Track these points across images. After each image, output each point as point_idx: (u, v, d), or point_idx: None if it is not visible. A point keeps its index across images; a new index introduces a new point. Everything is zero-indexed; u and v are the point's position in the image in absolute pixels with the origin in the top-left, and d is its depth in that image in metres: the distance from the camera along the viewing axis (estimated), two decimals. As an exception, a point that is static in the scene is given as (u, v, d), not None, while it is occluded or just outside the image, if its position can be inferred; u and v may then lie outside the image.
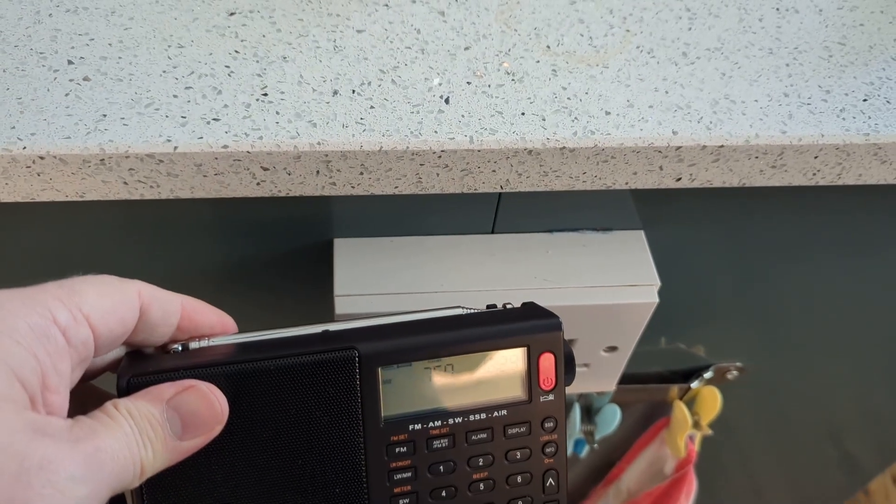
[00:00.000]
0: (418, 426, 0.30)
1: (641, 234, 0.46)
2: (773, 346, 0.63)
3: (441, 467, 0.30)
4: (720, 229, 0.49)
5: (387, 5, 0.41)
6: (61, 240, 0.44)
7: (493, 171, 0.37)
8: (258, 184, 0.36)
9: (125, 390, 0.26)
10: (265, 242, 0.44)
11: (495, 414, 0.30)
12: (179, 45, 0.38)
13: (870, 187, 0.44)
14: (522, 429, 0.30)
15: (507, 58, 0.39)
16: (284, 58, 0.38)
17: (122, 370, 0.27)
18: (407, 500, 0.29)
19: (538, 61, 0.40)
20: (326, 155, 0.35)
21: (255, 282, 0.47)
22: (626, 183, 0.39)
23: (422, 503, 0.30)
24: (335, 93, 0.37)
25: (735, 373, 0.61)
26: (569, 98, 0.38)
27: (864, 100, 0.40)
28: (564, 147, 0.36)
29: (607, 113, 0.38)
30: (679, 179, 0.39)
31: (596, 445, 0.62)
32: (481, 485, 0.30)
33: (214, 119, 0.35)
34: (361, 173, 0.36)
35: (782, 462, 0.87)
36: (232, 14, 0.40)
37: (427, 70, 0.38)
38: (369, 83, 0.37)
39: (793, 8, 0.45)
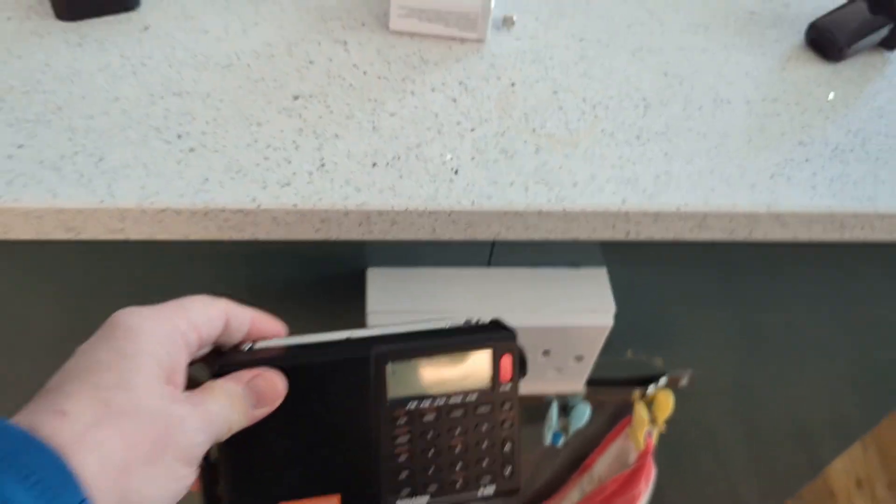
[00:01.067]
0: (414, 405, 0.42)
1: (604, 270, 0.58)
2: (717, 358, 0.76)
3: (429, 434, 0.42)
4: (667, 267, 0.62)
5: (412, 93, 0.54)
6: (170, 267, 0.57)
7: (489, 226, 0.50)
8: (316, 230, 0.49)
9: (217, 374, 0.39)
10: (315, 270, 0.57)
11: (467, 398, 0.43)
12: (258, 123, 0.51)
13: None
14: (487, 409, 0.43)
15: (502, 138, 0.52)
16: (336, 135, 0.51)
17: (212, 361, 0.39)
18: (405, 457, 0.42)
19: (525, 141, 0.53)
20: (367, 213, 0.48)
21: (303, 300, 0.60)
22: (588, 236, 0.52)
23: (415, 459, 0.42)
24: (374, 165, 0.50)
25: (686, 380, 0.74)
26: (547, 171, 0.51)
27: (771, 177, 0.53)
28: (541, 210, 0.49)
29: (574, 184, 0.50)
30: (628, 234, 0.52)
31: (569, 438, 0.74)
32: (457, 447, 0.43)
33: (287, 184, 0.48)
34: (392, 225, 0.49)
35: (734, 451, 0.99)
36: (296, 98, 0.53)
37: (442, 147, 0.51)
38: (398, 157, 0.50)
39: (727, 100, 0.57)
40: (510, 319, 0.50)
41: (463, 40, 0.59)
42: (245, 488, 0.40)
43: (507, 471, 0.44)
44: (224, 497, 0.40)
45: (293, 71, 0.54)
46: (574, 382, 0.62)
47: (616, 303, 0.59)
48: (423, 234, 0.50)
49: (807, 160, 0.54)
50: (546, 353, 0.58)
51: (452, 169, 0.50)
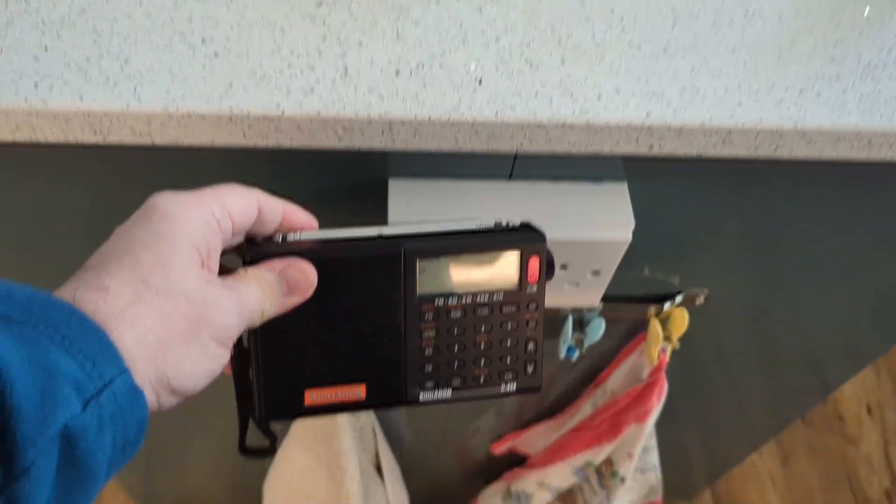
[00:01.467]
0: (441, 301, 0.43)
1: (625, 185, 0.59)
2: (735, 278, 0.76)
3: (455, 330, 0.44)
4: (689, 184, 0.61)
5: (437, 2, 0.54)
6: (192, 168, 0.57)
7: (511, 137, 0.50)
8: (339, 139, 0.50)
9: (249, 263, 0.40)
10: (337, 179, 0.58)
11: (494, 297, 0.44)
12: (282, 30, 0.51)
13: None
14: (513, 308, 0.44)
15: (527, 49, 0.52)
16: (360, 43, 0.51)
17: (245, 250, 0.40)
18: (430, 351, 0.44)
19: (551, 53, 0.52)
20: (390, 122, 0.48)
21: (327, 207, 0.61)
22: (611, 149, 0.52)
23: (440, 353, 0.44)
24: (397, 73, 0.50)
25: (702, 299, 0.75)
26: (571, 84, 0.50)
27: (800, 92, 0.52)
28: (565, 123, 0.49)
29: (599, 97, 0.50)
30: (651, 148, 0.52)
31: (584, 351, 0.76)
32: (482, 344, 0.44)
33: (310, 91, 0.48)
34: (414, 135, 0.49)
35: (746, 370, 1.01)
36: (320, 5, 0.52)
37: (466, 57, 0.51)
38: (423, 66, 0.50)
39: (758, 12, 0.56)
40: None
41: (490, -53, 0.57)
42: (274, 374, 0.42)
43: (530, 369, 0.45)
44: (254, 381, 0.42)
45: (317, -24, 0.54)
46: (590, 297, 0.63)
47: (636, 219, 0.59)
48: (445, 144, 0.50)
49: (838, 77, 0.53)
50: (564, 266, 0.59)
51: (476, 79, 0.50)
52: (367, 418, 0.93)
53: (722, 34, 0.54)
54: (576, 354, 0.77)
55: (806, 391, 1.08)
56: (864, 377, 1.75)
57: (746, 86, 0.52)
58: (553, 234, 0.55)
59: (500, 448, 1.09)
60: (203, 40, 0.49)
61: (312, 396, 0.43)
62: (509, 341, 0.45)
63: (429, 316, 0.43)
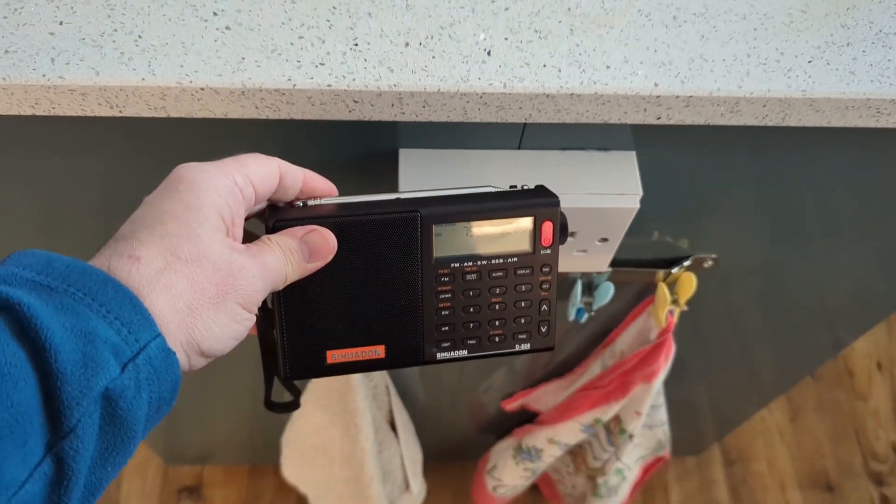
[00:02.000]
0: (457, 264, 0.45)
1: (633, 154, 0.59)
2: (743, 240, 0.77)
3: (471, 292, 0.45)
4: (697, 150, 0.62)
5: (447, -31, 0.54)
6: (207, 141, 0.58)
7: (520, 108, 0.51)
8: (350, 111, 0.50)
9: (272, 230, 0.41)
10: (348, 149, 0.59)
11: (509, 260, 0.45)
12: (292, 1, 0.51)
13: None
14: (527, 271, 0.45)
15: (536, 18, 0.52)
16: (369, 14, 0.51)
17: (268, 217, 0.42)
18: (447, 312, 0.45)
19: (560, 21, 0.52)
20: (399, 94, 0.49)
21: (339, 177, 0.62)
22: (619, 119, 0.52)
23: (456, 314, 0.45)
24: (407, 44, 0.50)
25: (710, 262, 0.76)
26: (580, 54, 0.51)
27: (809, 61, 0.52)
28: (573, 93, 0.49)
29: (608, 67, 0.50)
30: (659, 118, 0.52)
31: (593, 314, 0.77)
32: (497, 306, 0.46)
33: (321, 64, 0.49)
34: (424, 107, 0.50)
35: (755, 330, 1.02)
36: (329, -25, 0.52)
37: (475, 27, 0.51)
38: (432, 37, 0.50)
39: (770, -23, 0.56)
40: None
41: (499, -88, 0.57)
42: (297, 335, 0.44)
43: (543, 329, 0.47)
44: (278, 342, 0.44)
45: (326, -55, 0.54)
46: (599, 263, 0.64)
47: (644, 185, 0.60)
48: (454, 115, 0.51)
49: (848, 44, 0.53)
50: (572, 234, 0.60)
51: (485, 49, 0.50)
52: (381, 377, 0.95)
53: (732, 0, 0.54)
54: (585, 317, 0.78)
55: (817, 348, 1.09)
56: (876, 333, 1.76)
57: (755, 55, 0.52)
58: (562, 201, 0.56)
59: (511, 405, 1.12)
60: (215, 13, 0.50)
61: (334, 356, 0.45)
62: (523, 303, 0.46)
63: (445, 279, 0.45)
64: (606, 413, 0.93)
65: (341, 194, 0.45)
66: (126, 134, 0.57)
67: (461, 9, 0.52)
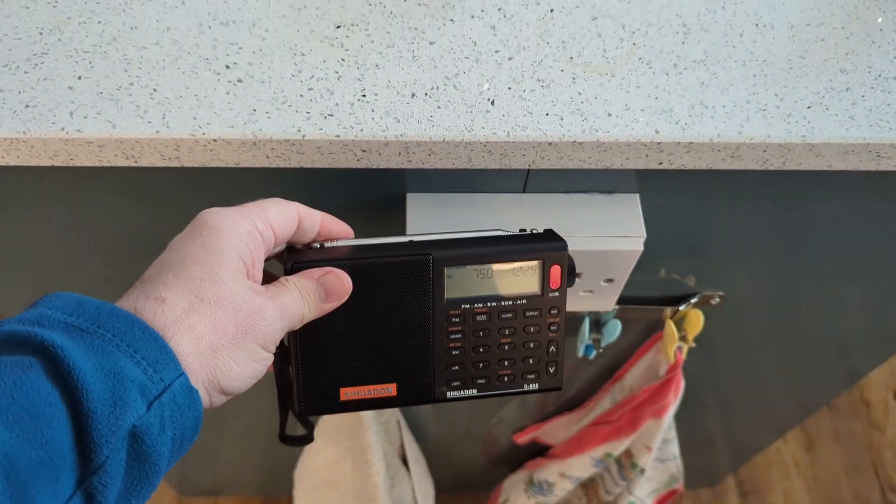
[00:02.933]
0: (468, 306, 0.46)
1: (637, 197, 0.60)
2: (752, 277, 0.77)
3: (481, 332, 0.46)
4: (702, 192, 0.63)
5: (452, 20, 0.55)
6: (220, 188, 0.60)
7: (523, 155, 0.52)
8: (358, 160, 0.52)
9: (290, 271, 0.43)
10: (357, 195, 0.60)
11: (518, 302, 0.46)
12: (302, 54, 0.53)
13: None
14: (536, 312, 0.47)
15: (539, 67, 0.53)
16: (377, 65, 0.53)
17: (287, 258, 0.44)
18: (457, 352, 0.47)
19: (562, 70, 0.53)
20: (406, 144, 0.50)
21: (349, 222, 0.63)
22: (621, 165, 0.53)
23: (467, 354, 0.47)
24: (413, 95, 0.51)
25: (717, 300, 0.76)
26: (582, 102, 0.52)
27: (809, 107, 0.53)
28: (575, 141, 0.51)
29: (609, 115, 0.51)
30: (661, 163, 0.53)
31: (601, 350, 0.78)
32: (506, 346, 0.47)
33: (329, 115, 0.50)
34: (430, 155, 0.51)
35: (767, 363, 1.02)
36: (338, 27, 0.54)
37: (479, 77, 0.52)
38: (437, 87, 0.52)
39: (769, 24, 0.57)
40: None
41: (503, -37, 0.58)
42: (312, 372, 0.45)
43: (552, 370, 0.48)
44: (294, 378, 0.45)
45: (335, -2, 0.55)
46: (605, 303, 0.65)
47: (650, 224, 0.61)
48: (459, 163, 0.52)
49: (847, 89, 0.54)
50: (578, 274, 0.60)
51: (489, 99, 0.51)
52: (392, 412, 0.96)
53: (732, 47, 0.55)
54: (593, 353, 0.78)
55: (831, 379, 1.08)
56: (892, 363, 1.74)
57: (755, 101, 0.53)
58: (567, 244, 0.57)
59: (522, 438, 1.12)
60: (227, 66, 0.52)
61: (347, 394, 0.46)
62: (532, 344, 0.47)
63: (456, 319, 0.46)
64: (617, 448, 0.93)
65: (356, 237, 0.47)
66: (142, 182, 0.58)
67: (466, 59, 0.53)
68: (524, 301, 0.46)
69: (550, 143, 0.51)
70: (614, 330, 0.74)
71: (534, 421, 1.09)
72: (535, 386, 0.49)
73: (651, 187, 0.61)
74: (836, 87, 0.54)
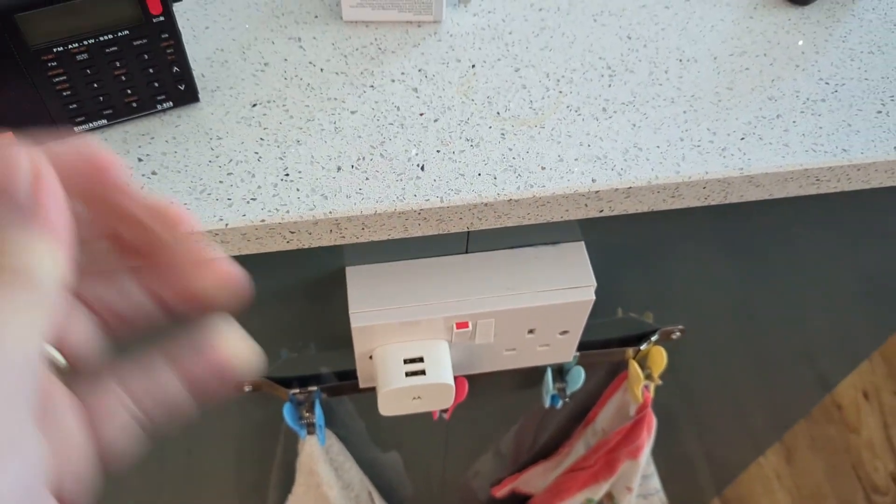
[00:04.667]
0: (60, 49, 0.45)
1: (582, 244, 0.58)
2: (710, 308, 0.76)
3: (88, 70, 0.46)
4: (646, 233, 0.61)
5: (372, 86, 0.53)
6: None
7: (460, 218, 0.50)
8: (287, 242, 0.49)
9: None
10: (295, 276, 0.57)
11: (119, 34, 0.46)
12: (218, 137, 0.50)
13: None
14: (143, 41, 0.47)
15: (466, 126, 0.52)
16: (298, 141, 0.50)
17: None
18: (69, 93, 0.47)
19: (490, 127, 0.52)
20: (336, 220, 0.48)
21: (287, 305, 0.60)
22: (561, 217, 0.52)
23: (80, 93, 0.47)
24: (339, 168, 0.49)
25: (678, 333, 0.75)
26: (514, 157, 0.50)
27: (742, 138, 0.52)
28: (511, 199, 0.49)
29: (543, 168, 0.50)
30: (601, 211, 0.52)
31: (568, 399, 0.75)
32: (122, 77, 0.47)
33: (252, 199, 0.48)
34: (363, 229, 0.49)
35: (738, 387, 1.01)
36: (254, 105, 0.52)
37: (406, 142, 0.51)
38: (363, 158, 0.50)
39: (693, 58, 0.56)
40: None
41: (420, 23, 0.57)
42: None
43: (182, 87, 0.50)
44: None
45: (249, 76, 0.53)
46: (563, 354, 0.63)
47: (600, 267, 0.59)
48: (395, 233, 0.50)
49: (778, 116, 0.53)
50: (531, 331, 0.58)
51: (418, 165, 0.50)
52: (360, 482, 0.92)
53: (659, 85, 0.54)
54: (560, 402, 0.76)
55: (804, 392, 1.07)
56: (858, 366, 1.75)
57: (688, 137, 0.52)
58: (516, 302, 0.55)
59: (501, 491, 1.08)
60: (139, 159, 0.49)
61: None
62: (151, 69, 0.48)
63: (52, 63, 0.46)
64: (597, 492, 0.90)
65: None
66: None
67: (390, 125, 0.51)
68: (127, 32, 0.46)
69: (486, 204, 0.49)
70: (578, 377, 0.72)
71: (510, 472, 1.06)
72: (170, 104, 0.50)
73: (596, 232, 0.59)
74: (767, 115, 0.53)
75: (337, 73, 0.54)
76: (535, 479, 1.04)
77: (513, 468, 1.05)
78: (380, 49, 0.55)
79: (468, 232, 0.56)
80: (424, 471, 1.05)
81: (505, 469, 1.07)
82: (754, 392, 1.03)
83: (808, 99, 0.54)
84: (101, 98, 0.48)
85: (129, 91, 0.48)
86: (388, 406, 0.57)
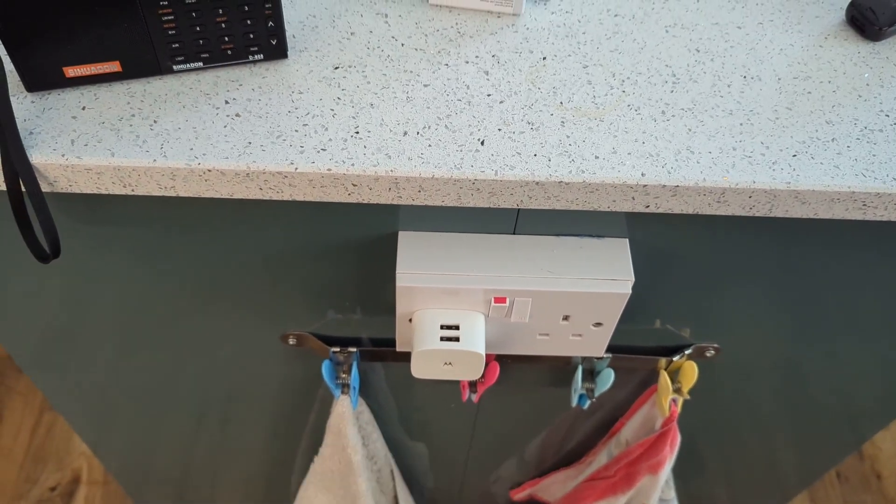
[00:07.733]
0: None
1: (626, 241, 0.60)
2: (748, 331, 0.77)
3: (193, 13, 0.51)
4: (691, 238, 0.63)
5: (447, 65, 0.57)
6: (215, 222, 0.61)
7: (511, 194, 0.53)
8: (349, 193, 0.53)
9: None
10: (349, 231, 0.61)
11: None
12: (300, 92, 0.55)
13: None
14: None
15: (529, 111, 0.55)
16: (371, 104, 0.54)
17: None
18: (174, 31, 0.51)
19: (552, 114, 0.55)
20: (396, 179, 0.51)
21: (337, 260, 0.64)
22: (608, 207, 0.54)
23: (184, 34, 0.52)
24: (405, 133, 0.53)
25: (712, 352, 0.75)
26: (570, 144, 0.53)
27: (794, 155, 0.54)
28: (562, 181, 0.51)
29: (596, 157, 0.52)
30: (647, 207, 0.54)
31: (595, 400, 0.77)
32: (223, 24, 0.52)
33: (322, 149, 0.51)
34: (419, 191, 0.52)
35: (766, 418, 1.00)
36: (336, 68, 0.56)
37: (471, 118, 0.54)
38: (429, 127, 0.53)
39: (757, 76, 0.58)
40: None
41: (500, 14, 0.61)
42: (27, 54, 0.50)
43: (274, 42, 0.54)
44: (12, 61, 0.50)
45: (335, 42, 0.58)
46: (595, 348, 0.65)
47: (643, 272, 0.61)
48: (448, 200, 0.53)
49: (833, 139, 0.55)
50: (566, 318, 0.60)
51: (479, 140, 0.53)
52: (385, 459, 0.95)
53: (720, 97, 0.56)
54: (587, 403, 0.78)
55: (840, 438, 1.06)
56: (903, 434, 1.70)
57: (741, 148, 0.54)
58: (554, 285, 0.58)
59: (519, 495, 1.09)
60: (226, 101, 0.53)
61: (71, 72, 0.51)
62: (249, 21, 0.52)
63: (164, 3, 0.50)
64: (613, 505, 0.91)
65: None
66: (140, 210, 0.60)
67: (458, 101, 0.55)
68: None
69: (538, 183, 0.52)
70: (608, 379, 0.74)
71: (531, 476, 1.07)
72: (260, 56, 0.55)
73: (643, 233, 0.61)
74: (822, 137, 0.55)
75: (416, 49, 0.58)
76: (554, 487, 1.05)
77: (534, 473, 1.07)
78: (459, 33, 0.59)
79: (518, 211, 0.58)
80: (447, 464, 1.07)
81: (526, 473, 1.08)
82: (784, 428, 1.02)
83: (865, 128, 0.56)
84: (202, 41, 0.52)
85: (226, 38, 0.53)
86: (420, 367, 0.59)
